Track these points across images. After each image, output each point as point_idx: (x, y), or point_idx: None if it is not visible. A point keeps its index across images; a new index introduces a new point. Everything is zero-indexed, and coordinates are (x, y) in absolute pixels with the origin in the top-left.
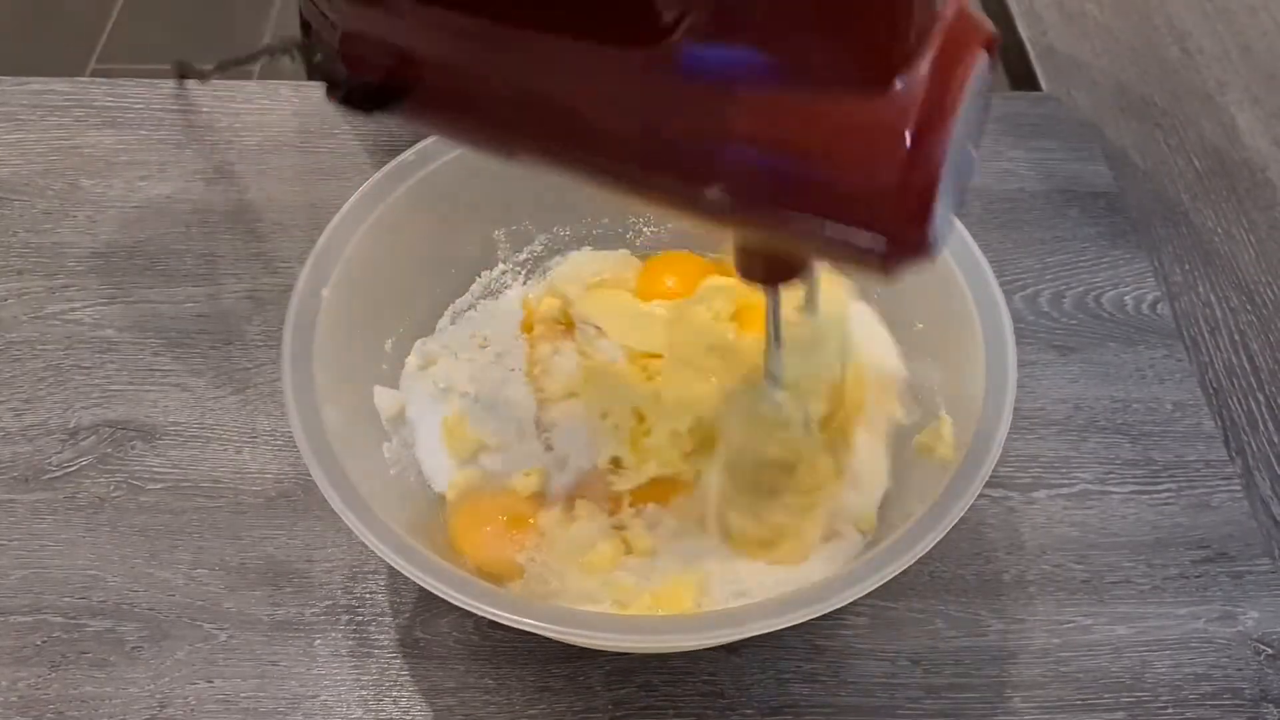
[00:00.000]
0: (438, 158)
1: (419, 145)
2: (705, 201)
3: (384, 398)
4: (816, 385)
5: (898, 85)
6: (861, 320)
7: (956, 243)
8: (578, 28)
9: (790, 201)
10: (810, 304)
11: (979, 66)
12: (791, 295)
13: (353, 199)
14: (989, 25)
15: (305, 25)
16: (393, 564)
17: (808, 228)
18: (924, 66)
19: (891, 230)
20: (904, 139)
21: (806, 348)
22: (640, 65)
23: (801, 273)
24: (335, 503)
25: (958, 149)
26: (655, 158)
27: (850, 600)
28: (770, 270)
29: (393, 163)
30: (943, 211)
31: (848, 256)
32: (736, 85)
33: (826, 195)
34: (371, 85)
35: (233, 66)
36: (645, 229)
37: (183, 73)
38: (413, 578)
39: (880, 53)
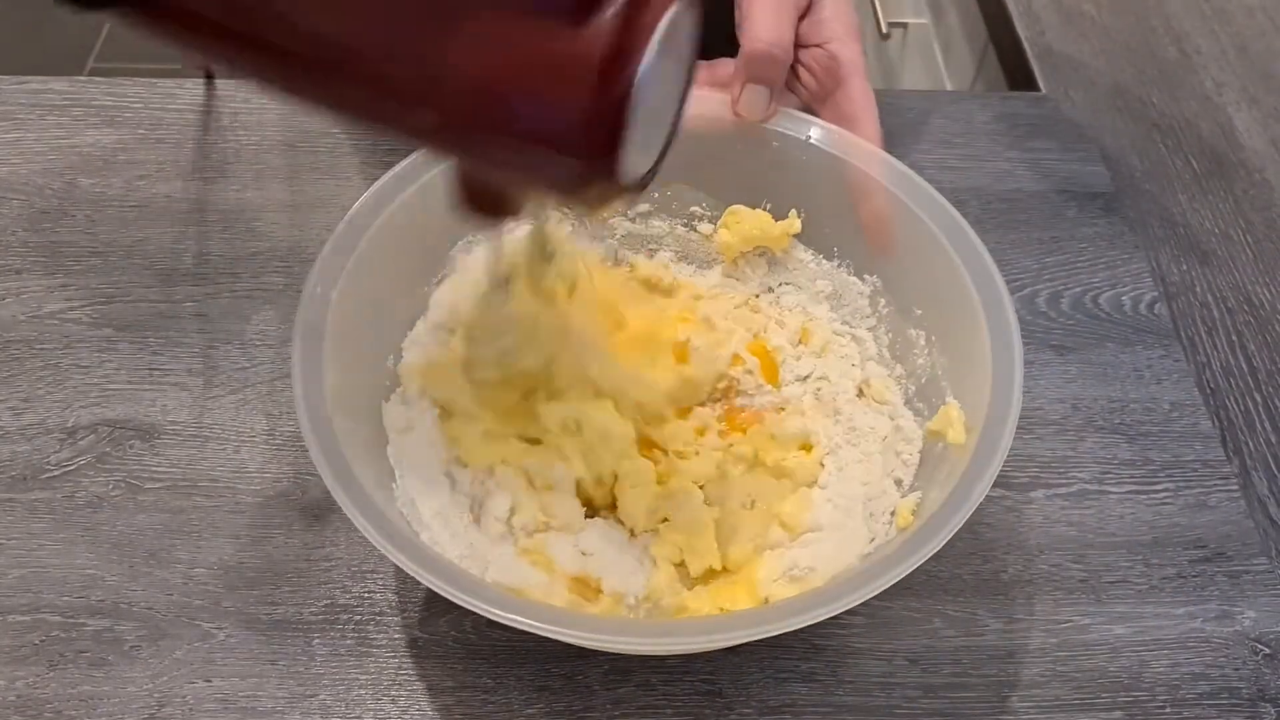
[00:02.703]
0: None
1: None
2: (414, 122)
3: (391, 412)
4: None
5: (593, 19)
6: None
7: (955, 232)
8: None
9: (492, 125)
10: (540, 249)
11: (672, 13)
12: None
13: (361, 200)
14: None
15: None
16: (398, 563)
17: (508, 153)
18: (617, 7)
19: (583, 155)
20: (594, 67)
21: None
22: None
23: (514, 210)
24: (341, 499)
25: (661, 91)
26: (368, 76)
27: (862, 600)
28: (484, 204)
29: (402, 163)
30: (641, 143)
31: (546, 184)
32: (446, 10)
33: (524, 120)
34: None
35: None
36: (622, 224)
37: (209, 72)
38: (420, 578)
39: None
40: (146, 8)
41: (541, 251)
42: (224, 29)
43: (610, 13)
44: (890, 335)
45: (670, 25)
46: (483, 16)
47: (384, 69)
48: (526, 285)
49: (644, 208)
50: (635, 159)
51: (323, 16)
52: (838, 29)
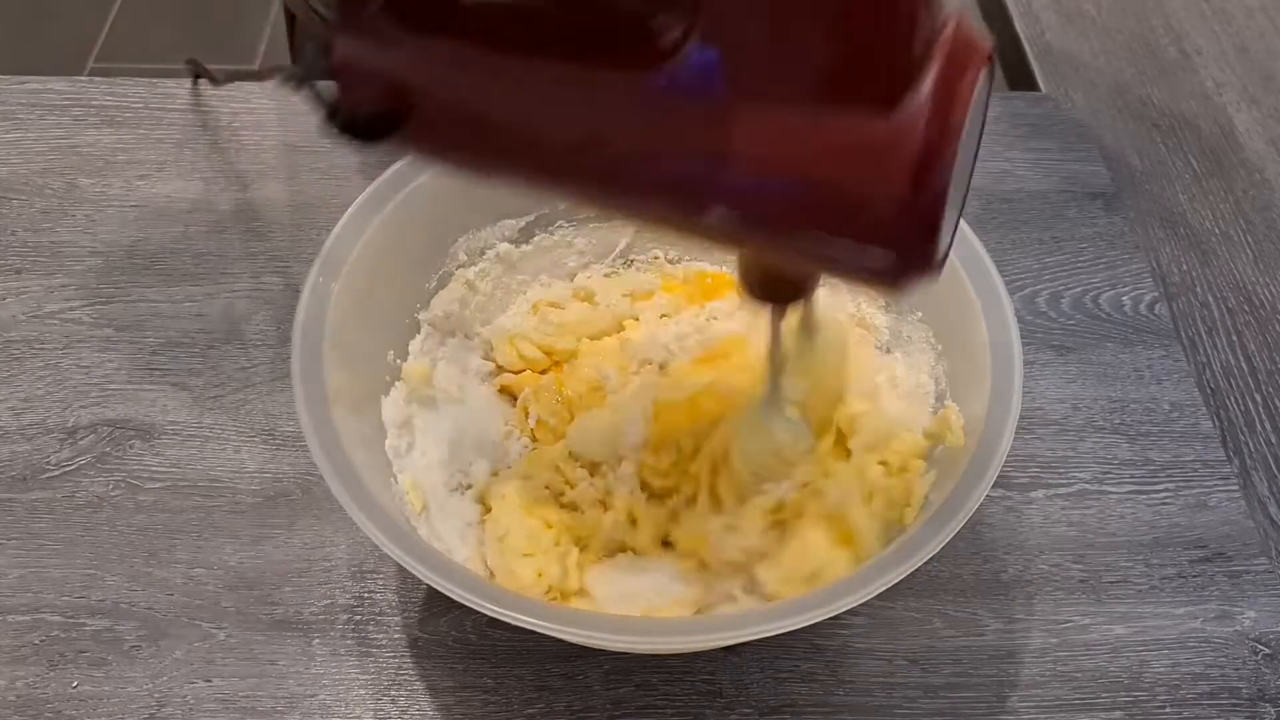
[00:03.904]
0: None
1: None
2: (709, 223)
3: (391, 407)
4: (818, 402)
5: (904, 104)
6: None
7: (956, 235)
8: (581, 54)
9: (797, 221)
10: (807, 326)
11: (981, 82)
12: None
13: (360, 198)
14: (988, 39)
15: (290, 18)
16: (403, 564)
17: (815, 246)
18: (928, 84)
19: (901, 247)
20: (912, 158)
21: (805, 367)
22: (642, 89)
23: (806, 293)
24: (343, 499)
25: (962, 162)
26: (657, 182)
27: (863, 600)
28: (775, 290)
29: (399, 163)
30: (948, 224)
31: (857, 274)
32: (739, 106)
33: (834, 214)
34: (367, 113)
35: (247, 79)
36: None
37: (196, 72)
38: (423, 578)
39: (885, 72)
40: (421, 135)
41: (806, 330)
42: (498, 145)
43: (924, 92)
44: (890, 337)
45: (979, 93)
46: (780, 107)
47: (672, 172)
48: (796, 369)
49: None
50: (947, 237)
51: (606, 131)
52: None
